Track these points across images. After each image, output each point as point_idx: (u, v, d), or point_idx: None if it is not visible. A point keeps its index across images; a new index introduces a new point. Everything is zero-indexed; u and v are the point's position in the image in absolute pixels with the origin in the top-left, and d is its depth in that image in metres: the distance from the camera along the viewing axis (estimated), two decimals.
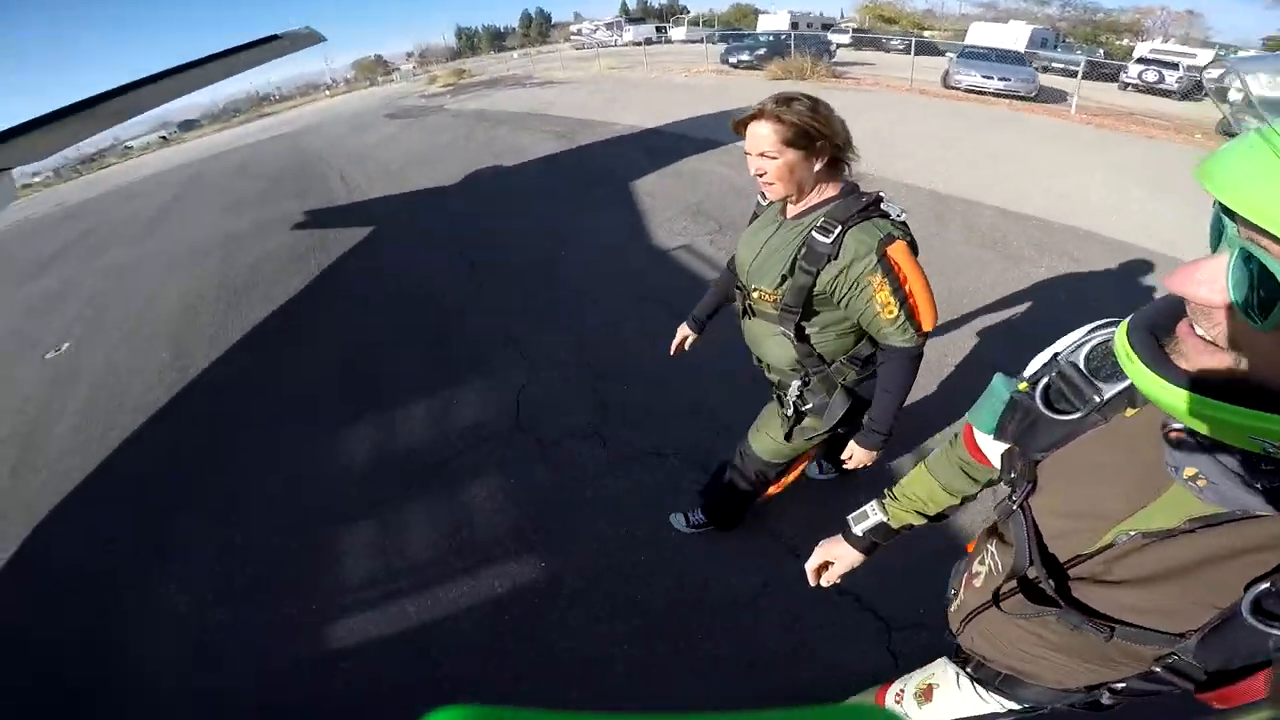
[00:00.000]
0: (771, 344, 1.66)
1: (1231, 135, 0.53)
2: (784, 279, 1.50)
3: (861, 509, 1.20)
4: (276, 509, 2.98)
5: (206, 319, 5.62)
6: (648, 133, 10.21)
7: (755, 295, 1.60)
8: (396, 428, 3.40)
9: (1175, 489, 0.63)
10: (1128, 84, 18.97)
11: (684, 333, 2.05)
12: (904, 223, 1.44)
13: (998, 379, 0.89)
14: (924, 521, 1.15)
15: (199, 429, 3.91)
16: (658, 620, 2.16)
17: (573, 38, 51.04)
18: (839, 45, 24.86)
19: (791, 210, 1.54)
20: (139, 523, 3.10)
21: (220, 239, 8.52)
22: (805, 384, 1.68)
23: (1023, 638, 0.91)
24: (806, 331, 1.59)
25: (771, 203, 1.64)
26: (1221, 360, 0.50)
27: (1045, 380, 0.78)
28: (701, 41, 33.98)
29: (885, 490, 1.19)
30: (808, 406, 1.70)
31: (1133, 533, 0.68)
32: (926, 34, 33.55)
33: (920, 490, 1.15)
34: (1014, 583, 0.86)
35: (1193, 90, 18.66)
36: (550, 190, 7.78)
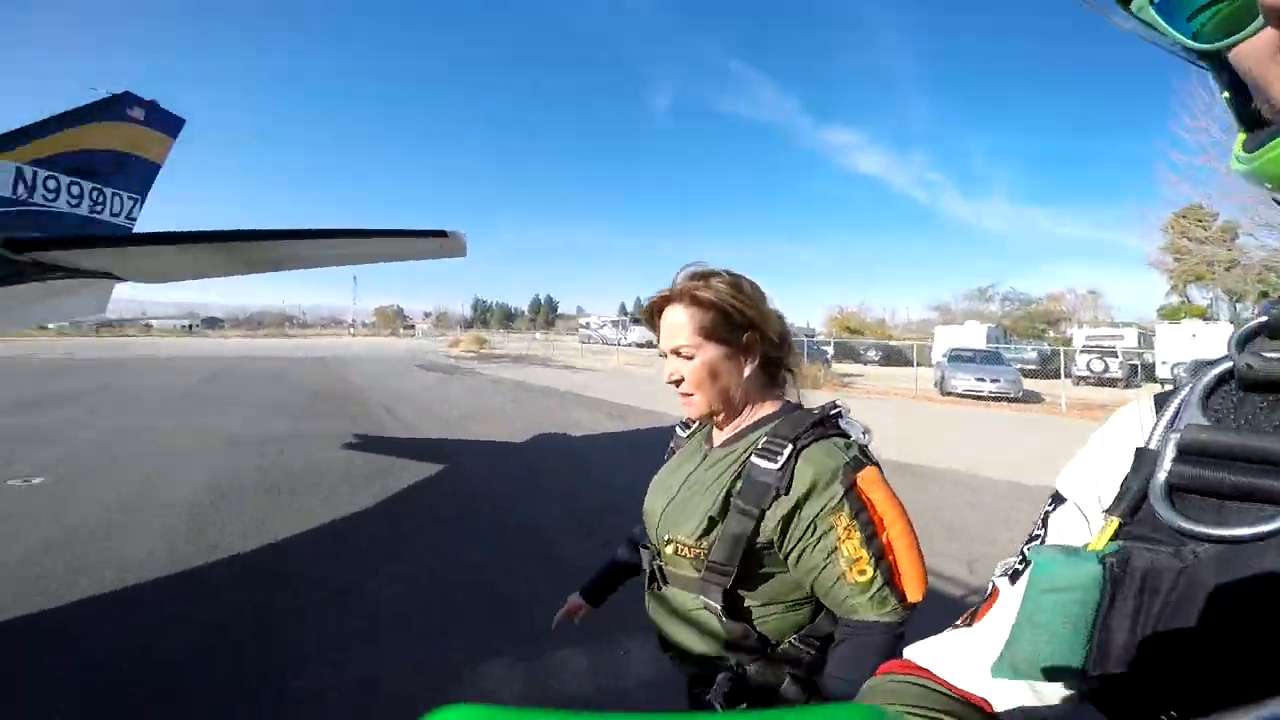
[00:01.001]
0: (689, 622, 1.16)
1: None
2: (711, 523, 1.08)
3: None
4: None
5: (241, 507, 5.26)
6: None
7: (669, 550, 1.15)
8: (566, 661, 2.85)
9: None
10: (1081, 377, 20.12)
11: (574, 603, 1.56)
12: (866, 446, 1.10)
13: (1040, 560, 0.43)
14: None
15: (233, 613, 3.37)
16: None
17: (580, 330, 52.64)
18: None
19: (719, 435, 1.20)
20: None
21: (258, 435, 8.41)
22: (737, 677, 1.11)
23: None
24: (746, 604, 1.11)
25: (694, 432, 1.32)
26: None
27: (1159, 480, 0.42)
28: None
29: None
30: (742, 707, 1.10)
31: None
32: (893, 342, 34.72)
33: None
34: None
35: (1131, 376, 20.90)
36: (648, 460, 7.65)
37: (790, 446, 1.02)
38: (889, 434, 10.03)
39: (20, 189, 4.54)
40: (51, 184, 4.79)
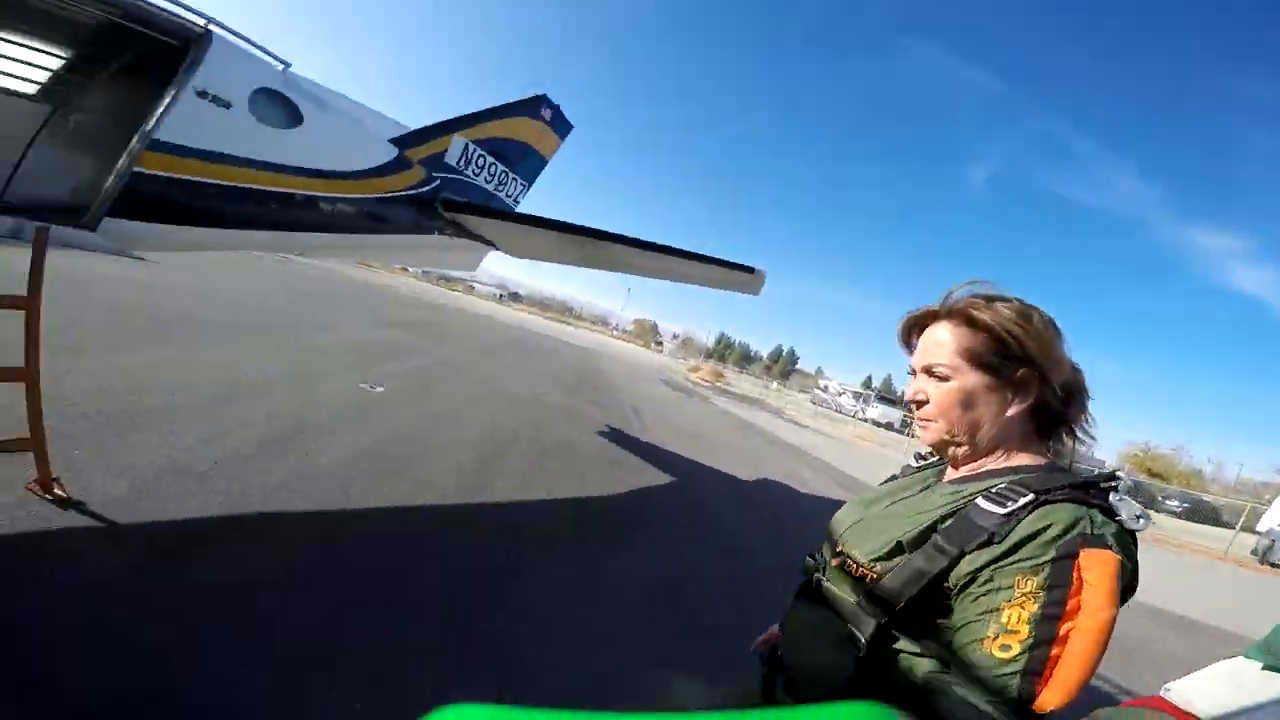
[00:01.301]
0: (822, 647, 1.00)
1: None
2: (896, 549, 0.94)
3: None
4: None
5: (514, 458, 5.93)
6: None
7: (835, 564, 1.04)
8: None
9: None
10: None
11: (774, 632, 1.33)
12: (1133, 534, 0.86)
13: None
14: None
15: (476, 552, 3.65)
16: None
17: (815, 390, 50.84)
18: None
19: (952, 472, 1.03)
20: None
21: (534, 400, 9.65)
22: None
23: None
24: (898, 645, 0.93)
25: (924, 465, 1.15)
26: None
27: None
28: None
29: None
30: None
31: None
32: (1208, 496, 28.50)
33: None
34: None
35: None
36: None
37: (1030, 496, 0.86)
38: (1183, 590, 8.71)
39: (461, 160, 5.85)
40: (480, 160, 6.10)
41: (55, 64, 4.22)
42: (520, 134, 6.60)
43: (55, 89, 4.28)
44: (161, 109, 3.32)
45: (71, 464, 2.96)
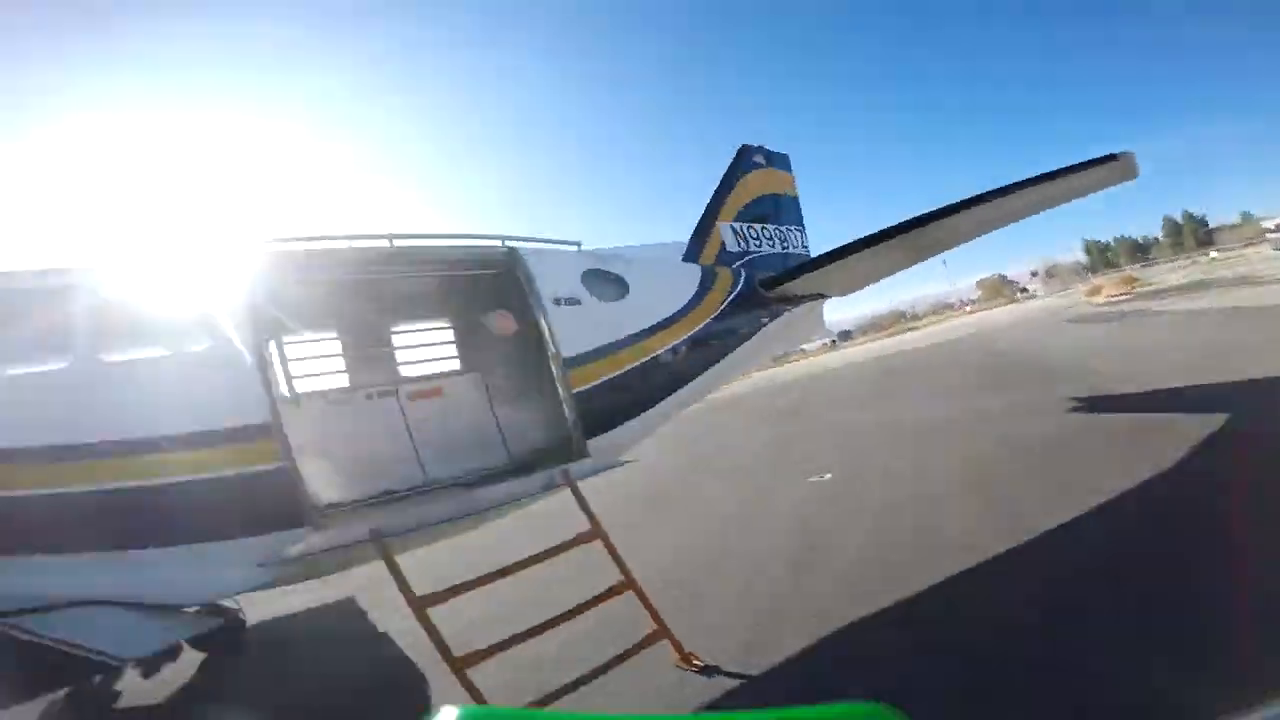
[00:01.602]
0: None
1: None
2: None
3: None
4: None
5: (1015, 485, 4.86)
6: None
7: None
8: None
9: None
10: None
11: None
12: None
13: None
14: None
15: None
16: None
17: (1268, 236, 40.07)
18: None
19: None
20: None
21: (972, 413, 8.05)
22: None
23: None
24: None
25: None
26: None
27: None
28: None
29: None
30: None
31: None
32: None
33: None
34: None
35: None
36: None
37: None
38: None
39: (739, 242, 5.81)
40: (751, 232, 6.01)
41: (449, 335, 4.99)
42: (759, 189, 6.43)
43: (466, 356, 4.96)
44: (547, 332, 3.77)
45: (682, 641, 3.19)
